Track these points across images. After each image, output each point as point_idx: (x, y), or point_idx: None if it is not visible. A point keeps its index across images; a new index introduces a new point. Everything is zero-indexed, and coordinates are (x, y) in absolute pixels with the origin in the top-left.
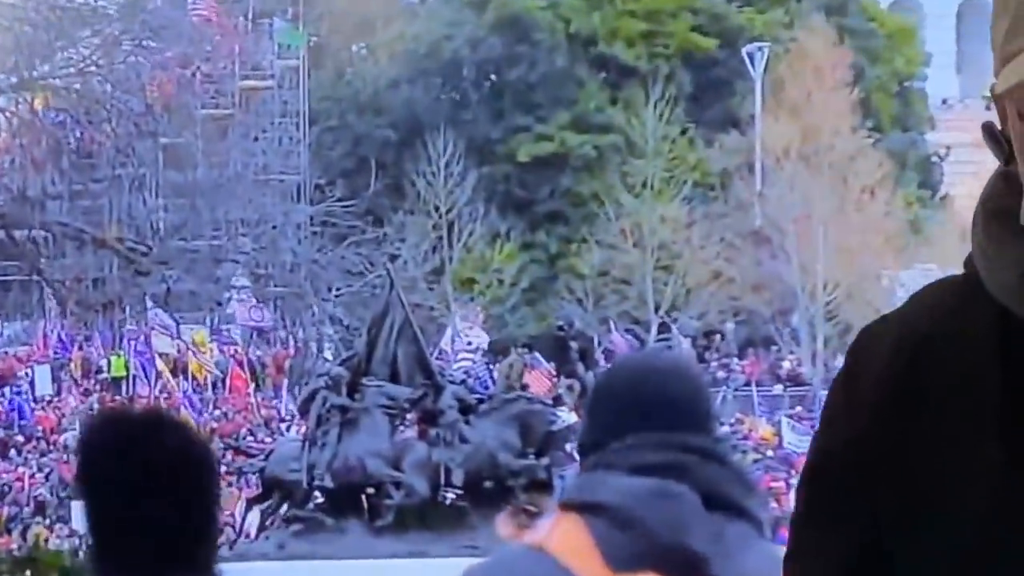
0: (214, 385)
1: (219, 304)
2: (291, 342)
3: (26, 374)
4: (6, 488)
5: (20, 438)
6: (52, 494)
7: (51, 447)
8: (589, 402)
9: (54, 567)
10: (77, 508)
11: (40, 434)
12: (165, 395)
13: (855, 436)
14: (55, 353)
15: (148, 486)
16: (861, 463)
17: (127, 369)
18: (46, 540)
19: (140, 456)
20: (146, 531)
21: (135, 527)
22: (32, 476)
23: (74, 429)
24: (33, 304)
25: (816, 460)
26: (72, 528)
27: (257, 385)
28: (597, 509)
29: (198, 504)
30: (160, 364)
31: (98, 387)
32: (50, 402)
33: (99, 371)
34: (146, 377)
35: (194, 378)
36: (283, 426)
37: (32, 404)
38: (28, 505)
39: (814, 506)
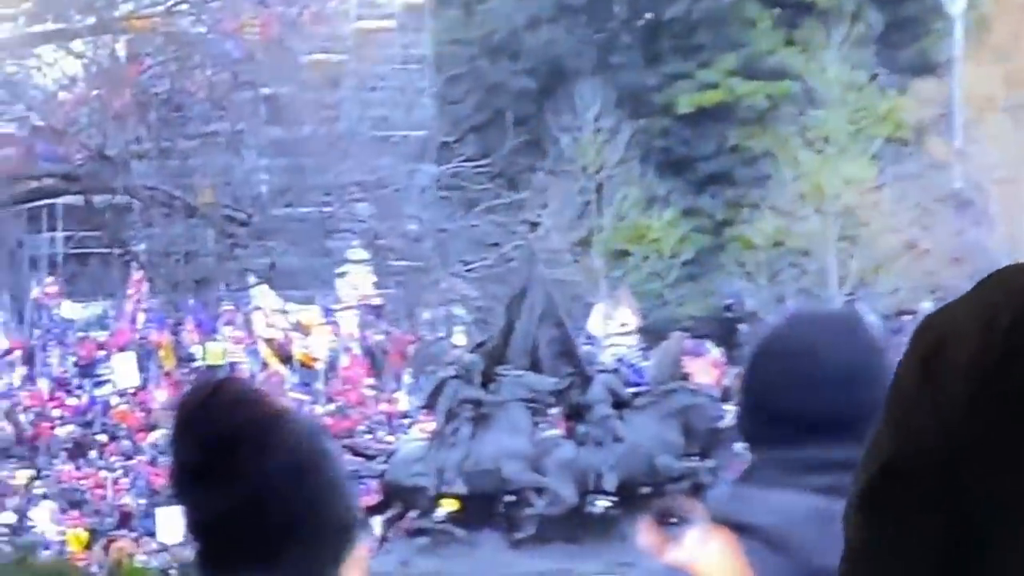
0: (326, 375)
1: (331, 281)
2: (415, 325)
3: (107, 363)
4: (85, 496)
5: (101, 437)
6: (138, 502)
7: (137, 448)
8: (747, 371)
9: None
10: (166, 518)
11: (124, 433)
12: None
13: (945, 436)
14: (141, 338)
15: (262, 478)
16: (953, 466)
17: (224, 356)
18: (131, 556)
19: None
20: (254, 527)
21: (242, 522)
22: (115, 482)
23: (163, 427)
24: (115, 281)
25: (889, 469)
26: (161, 542)
27: (376, 375)
28: (752, 529)
29: (320, 502)
30: (263, 350)
31: (191, 377)
32: (135, 395)
33: (192, 359)
34: (247, 365)
35: (302, 366)
36: (406, 423)
37: (115, 398)
38: (111, 515)
39: (888, 523)
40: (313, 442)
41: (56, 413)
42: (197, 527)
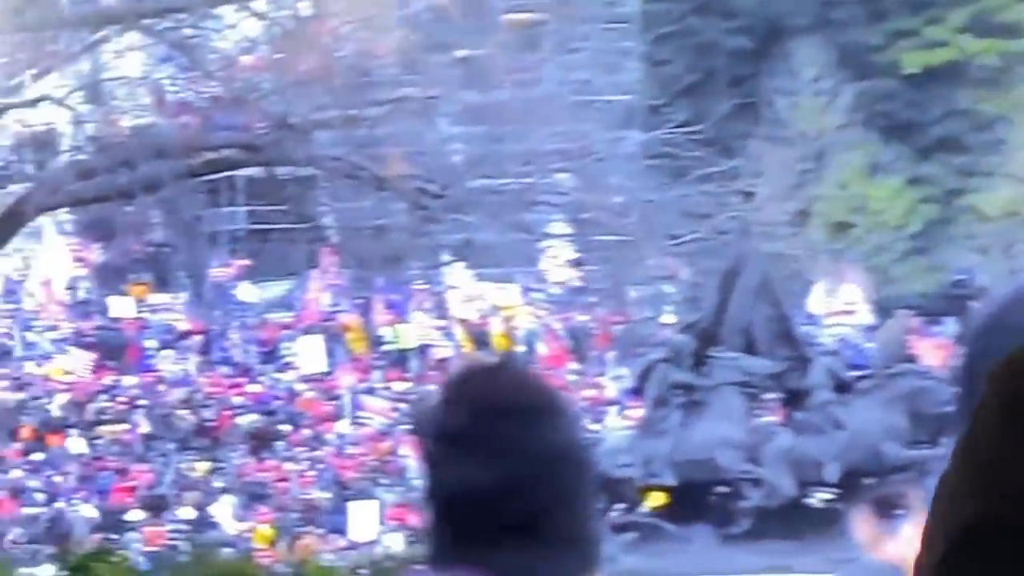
0: (525, 359)
1: (530, 258)
2: (621, 304)
3: (291, 347)
4: (268, 490)
5: (285, 427)
6: (325, 497)
7: (323, 438)
8: (967, 349)
9: None
10: (358, 513)
11: (310, 422)
12: None
13: None
14: (327, 320)
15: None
16: None
17: (417, 339)
18: (318, 553)
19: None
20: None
21: (496, 503)
22: (300, 475)
23: (348, 417)
24: (299, 259)
25: (976, 529)
26: (351, 539)
27: (579, 359)
28: None
29: (574, 502)
30: (459, 332)
31: (381, 361)
32: (322, 382)
33: (381, 342)
34: (441, 349)
35: (500, 350)
36: (611, 409)
37: (300, 384)
38: (296, 510)
39: None
40: (578, 437)
41: (237, 401)
42: (444, 500)
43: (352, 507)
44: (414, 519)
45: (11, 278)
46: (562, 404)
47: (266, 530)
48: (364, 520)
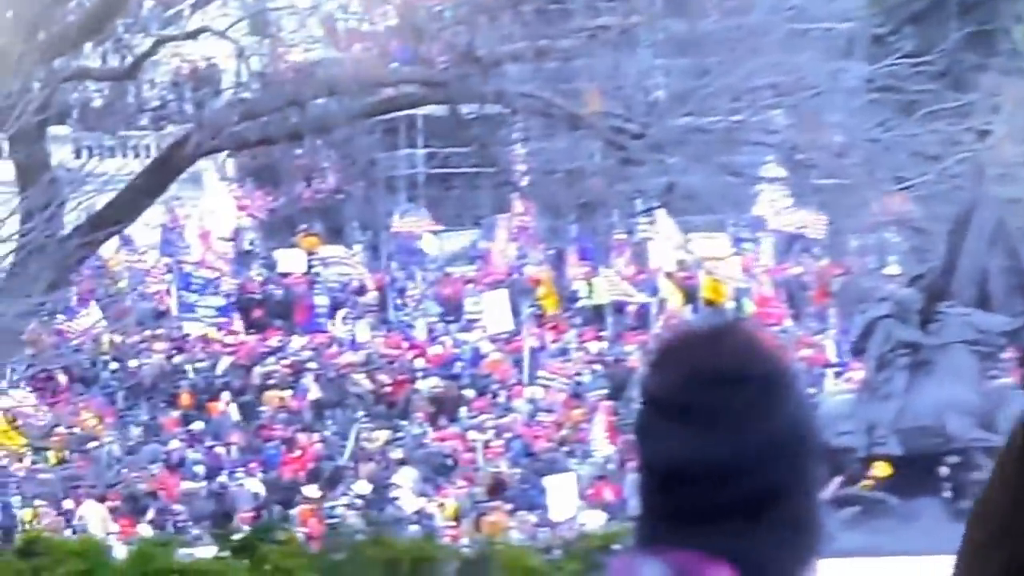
0: (736, 313)
1: (740, 203)
2: (841, 254)
3: (476, 303)
4: (450, 460)
5: (470, 392)
6: (514, 470)
7: (511, 403)
8: None
9: (516, 568)
10: (557, 488)
11: (496, 386)
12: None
13: None
14: (515, 274)
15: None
16: None
17: (614, 294)
18: (506, 530)
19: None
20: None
21: (723, 480)
22: (487, 445)
23: (535, 381)
24: (485, 207)
25: None
26: (545, 516)
27: (794, 314)
28: None
29: (803, 485)
30: (663, 286)
31: (576, 319)
32: (509, 342)
33: (575, 297)
34: (641, 305)
35: (709, 304)
36: (830, 372)
37: (486, 345)
38: (482, 484)
39: None
40: (805, 406)
41: (416, 364)
42: (658, 476)
43: (549, 481)
44: (611, 495)
45: (168, 229)
46: (790, 370)
47: (449, 506)
48: (562, 495)
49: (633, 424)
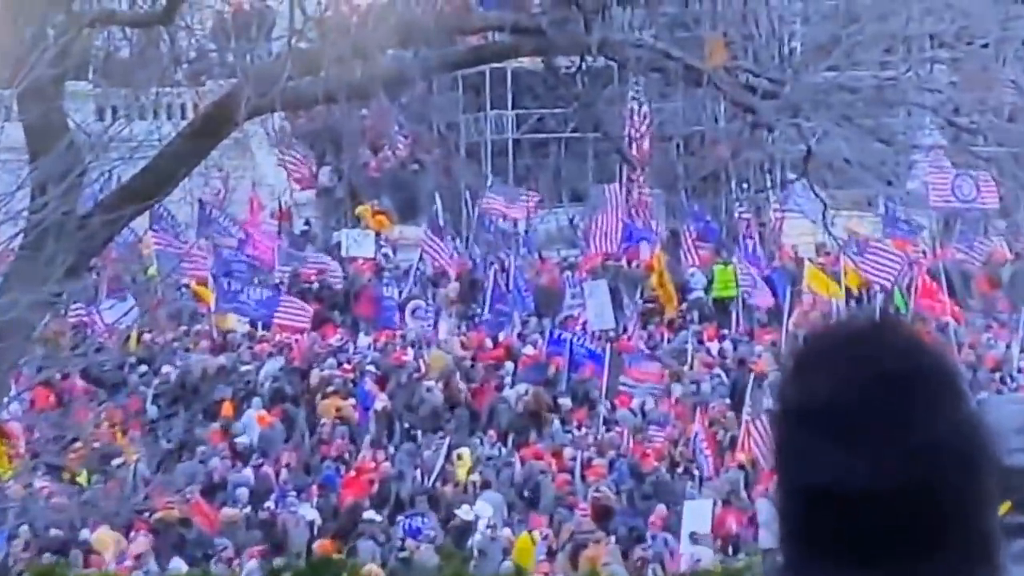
0: (888, 306)
1: (894, 174)
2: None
3: (577, 294)
4: (543, 483)
5: (566, 401)
6: (619, 492)
7: (616, 414)
8: None
9: None
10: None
11: (598, 394)
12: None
13: None
14: (622, 260)
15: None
16: None
17: (736, 284)
18: (608, 565)
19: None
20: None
21: (891, 501)
22: (586, 464)
23: (645, 387)
24: (587, 178)
25: None
26: (651, 549)
27: (957, 307)
28: None
29: (980, 500)
30: (808, 274)
31: (694, 313)
32: (615, 340)
33: (693, 288)
34: (775, 295)
35: (853, 295)
36: (1000, 374)
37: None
38: (580, 510)
39: None
40: (975, 415)
41: (506, 367)
42: (805, 497)
43: (688, 507)
44: (734, 524)
45: (207, 203)
46: (957, 373)
47: (540, 535)
48: (696, 525)
49: (770, 439)
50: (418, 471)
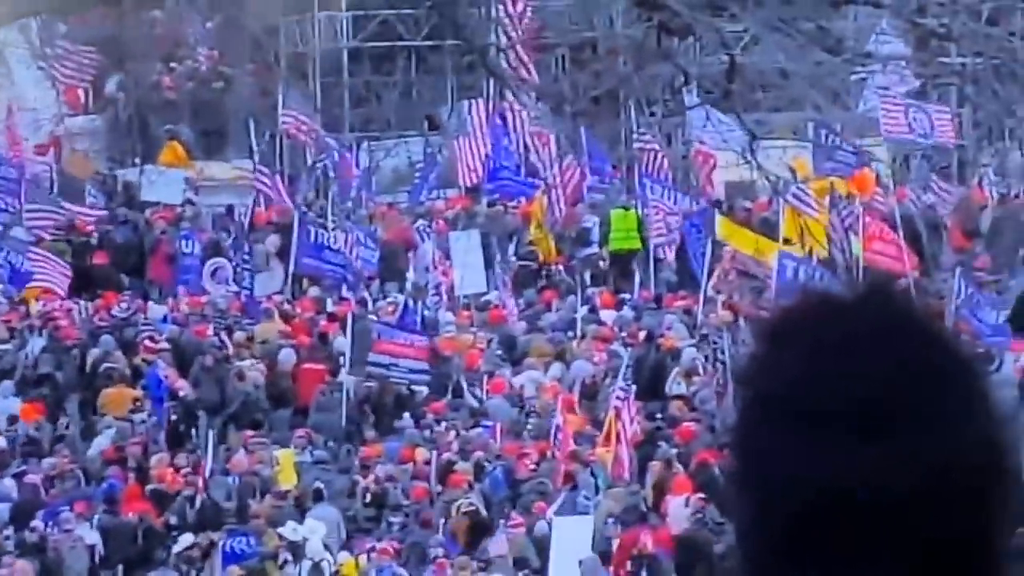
0: (842, 261)
1: (838, 94)
2: (994, 175)
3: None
4: (390, 490)
5: (420, 390)
6: (488, 504)
7: (486, 405)
8: None
9: None
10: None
11: (465, 379)
12: None
13: None
14: (493, 205)
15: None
16: None
17: (640, 234)
18: None
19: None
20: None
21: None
22: (447, 468)
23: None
24: (443, 95)
25: None
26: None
27: (921, 263)
28: None
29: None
30: (720, 225)
31: (583, 273)
32: (485, 308)
33: (585, 239)
34: (687, 249)
35: (790, 246)
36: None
37: None
38: (442, 526)
39: None
40: (1000, 414)
41: (337, 344)
42: (794, 513)
43: (557, 525)
44: (649, 544)
45: None
46: (975, 360)
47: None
48: (571, 547)
49: (733, 437)
50: (229, 478)
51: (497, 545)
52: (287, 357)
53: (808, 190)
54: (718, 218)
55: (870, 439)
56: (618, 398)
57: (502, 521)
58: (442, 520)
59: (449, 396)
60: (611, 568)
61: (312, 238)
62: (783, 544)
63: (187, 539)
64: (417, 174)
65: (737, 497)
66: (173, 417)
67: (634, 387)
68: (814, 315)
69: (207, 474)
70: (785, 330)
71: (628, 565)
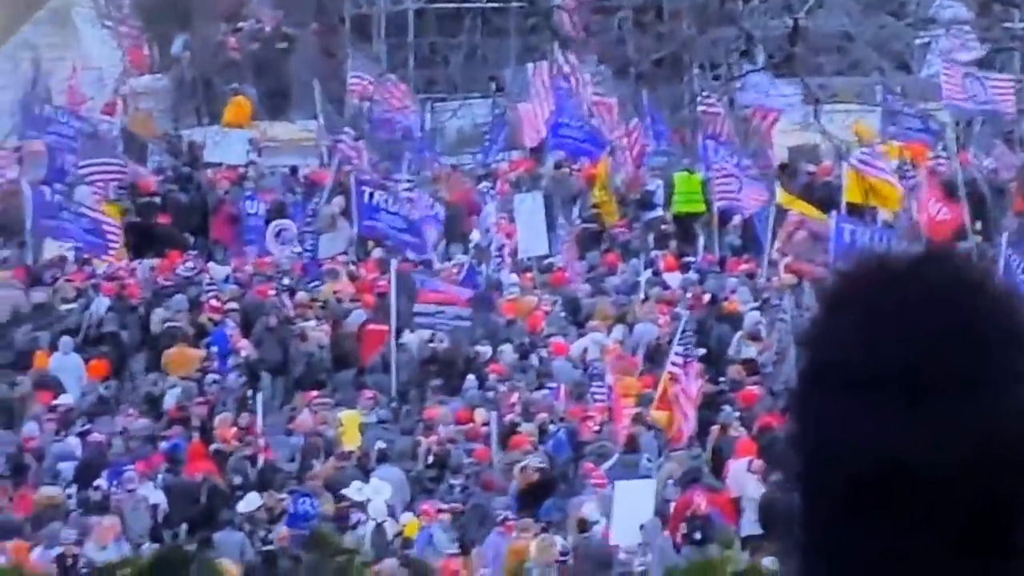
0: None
1: (902, 60)
2: None
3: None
4: (452, 451)
5: (484, 349)
6: (549, 466)
7: (552, 366)
8: None
9: None
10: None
11: (527, 340)
12: None
13: None
14: (555, 168)
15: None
16: None
17: (705, 198)
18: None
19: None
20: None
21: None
22: (511, 428)
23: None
24: (507, 57)
25: None
26: (583, 538)
27: (983, 230)
28: None
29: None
30: (779, 188)
31: (645, 235)
32: (547, 271)
33: (648, 202)
34: (746, 215)
35: (854, 213)
36: None
37: None
38: (500, 488)
39: None
40: None
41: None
42: (852, 483)
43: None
44: (703, 506)
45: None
46: None
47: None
48: (632, 510)
49: (791, 401)
50: (292, 438)
51: (585, 506)
52: (356, 318)
53: (877, 152)
54: (778, 189)
55: (917, 407)
56: (673, 363)
57: (588, 482)
58: (508, 482)
59: (516, 357)
60: (668, 531)
61: (369, 199)
62: (837, 510)
63: (253, 499)
64: (486, 136)
65: (793, 461)
66: (242, 378)
67: (698, 351)
68: (870, 280)
69: (264, 434)
70: (841, 295)
71: (683, 527)
